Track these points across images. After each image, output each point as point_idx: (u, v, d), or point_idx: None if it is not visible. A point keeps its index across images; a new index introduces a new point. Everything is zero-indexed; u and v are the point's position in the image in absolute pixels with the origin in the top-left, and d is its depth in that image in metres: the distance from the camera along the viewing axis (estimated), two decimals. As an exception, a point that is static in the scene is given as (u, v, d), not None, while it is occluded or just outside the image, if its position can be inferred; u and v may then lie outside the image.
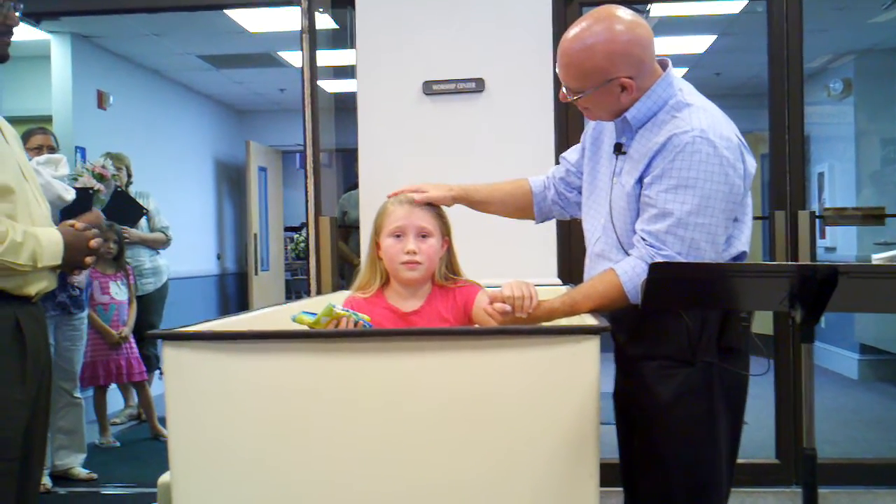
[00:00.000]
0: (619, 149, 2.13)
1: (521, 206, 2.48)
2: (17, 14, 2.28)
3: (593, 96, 2.06)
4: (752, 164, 2.08)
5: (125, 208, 5.38)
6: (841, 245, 7.13)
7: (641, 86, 2.05)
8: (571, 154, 2.45)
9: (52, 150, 4.36)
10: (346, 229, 5.06)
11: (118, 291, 5.21)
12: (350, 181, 5.53)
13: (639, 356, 2.10)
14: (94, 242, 2.32)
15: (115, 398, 5.85)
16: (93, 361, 5.11)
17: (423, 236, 2.26)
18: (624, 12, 2.05)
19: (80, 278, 4.35)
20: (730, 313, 2.06)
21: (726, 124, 2.06)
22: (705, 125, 1.98)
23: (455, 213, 3.68)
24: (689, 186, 1.95)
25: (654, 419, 2.07)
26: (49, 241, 2.21)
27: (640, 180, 2.05)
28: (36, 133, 4.45)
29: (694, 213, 1.94)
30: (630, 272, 1.99)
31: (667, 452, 2.06)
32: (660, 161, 2.00)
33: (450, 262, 2.37)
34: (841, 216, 4.59)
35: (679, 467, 2.05)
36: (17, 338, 2.18)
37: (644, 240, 1.99)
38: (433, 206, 2.31)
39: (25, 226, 2.18)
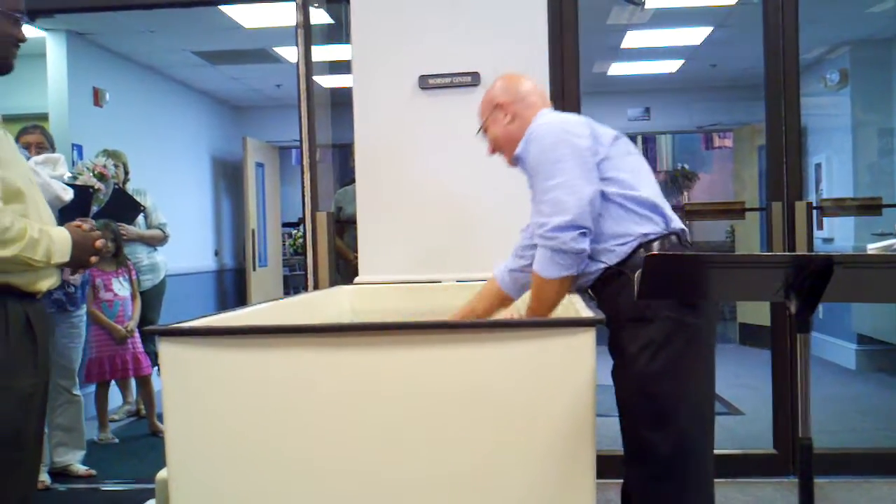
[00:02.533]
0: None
1: (502, 299, 2.73)
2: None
3: (489, 125, 2.58)
4: (608, 131, 2.40)
5: (123, 206, 5.38)
6: (838, 236, 7.13)
7: (520, 114, 2.51)
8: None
9: (42, 147, 4.34)
10: (342, 225, 5.05)
11: (120, 288, 5.23)
12: (347, 176, 5.52)
13: (615, 327, 2.28)
14: (99, 243, 2.41)
15: (113, 394, 5.84)
16: (99, 358, 5.14)
17: None
18: (511, 72, 2.66)
19: (75, 276, 4.36)
20: None
21: (575, 116, 2.48)
22: (544, 121, 2.40)
23: (454, 208, 3.69)
24: (540, 162, 2.30)
25: (626, 374, 2.24)
26: (60, 239, 2.28)
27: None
28: (28, 131, 4.44)
29: (548, 177, 2.27)
30: (536, 263, 2.28)
31: (638, 398, 2.20)
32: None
33: None
34: (838, 207, 4.59)
35: (648, 414, 2.18)
36: (28, 333, 2.24)
37: (536, 228, 2.29)
38: None
39: (39, 224, 2.25)
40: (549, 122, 2.37)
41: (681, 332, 2.19)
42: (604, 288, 2.30)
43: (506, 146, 2.54)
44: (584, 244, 2.20)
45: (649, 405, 2.18)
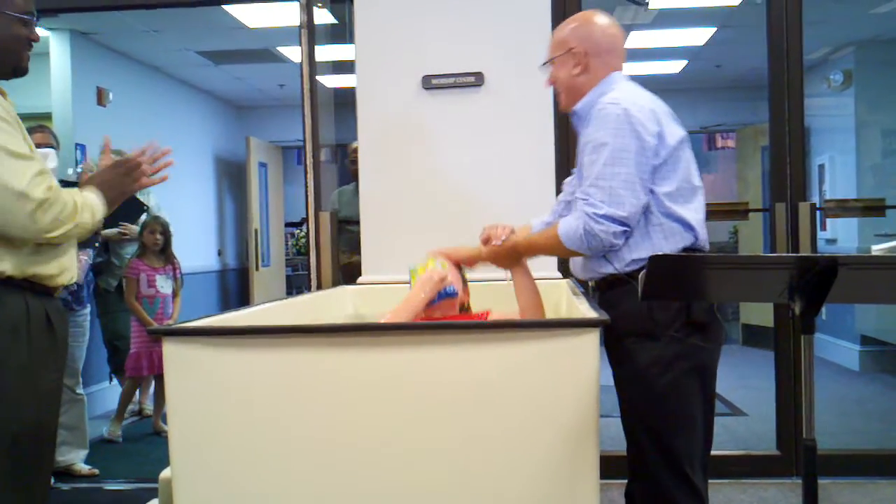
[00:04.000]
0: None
1: None
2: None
3: (556, 65, 2.43)
4: (675, 131, 2.29)
5: (127, 205, 5.38)
6: (842, 237, 7.12)
7: (592, 68, 2.37)
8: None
9: (51, 148, 4.36)
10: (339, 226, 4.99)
11: (164, 284, 5.23)
12: (346, 177, 5.48)
13: (614, 335, 2.23)
14: (131, 163, 2.40)
15: (115, 392, 5.85)
16: (137, 352, 5.18)
17: None
18: (602, 16, 2.43)
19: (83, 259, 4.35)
20: None
21: (648, 99, 2.30)
22: (619, 96, 2.25)
23: (457, 208, 3.68)
24: (603, 144, 2.19)
25: (626, 392, 2.22)
26: (91, 197, 2.30)
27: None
28: (35, 132, 4.44)
29: (609, 164, 2.16)
30: (564, 225, 2.22)
31: (637, 421, 2.19)
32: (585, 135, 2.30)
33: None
34: (841, 208, 4.58)
35: (648, 435, 2.17)
36: (48, 329, 2.27)
37: (577, 199, 2.23)
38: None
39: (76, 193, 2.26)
40: (622, 104, 2.21)
41: (687, 353, 2.16)
42: (608, 290, 2.28)
43: (566, 93, 2.44)
44: (620, 241, 2.17)
45: (651, 424, 2.17)
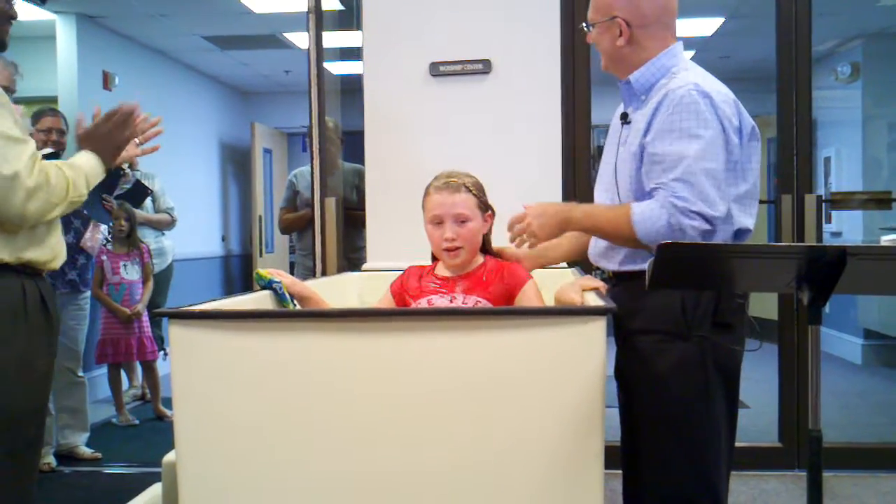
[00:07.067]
0: (624, 118, 2.24)
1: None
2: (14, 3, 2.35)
3: (598, 30, 2.23)
4: (748, 123, 2.15)
5: (131, 190, 5.39)
6: (847, 230, 7.10)
7: (639, 40, 2.18)
8: None
9: (62, 132, 4.37)
10: (297, 211, 4.99)
11: (130, 271, 5.22)
12: (349, 160, 5.45)
13: (635, 331, 2.13)
14: (118, 115, 2.48)
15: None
16: (103, 339, 5.17)
17: (462, 222, 2.34)
18: None
19: (94, 240, 4.36)
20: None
21: (722, 86, 2.15)
22: (699, 81, 2.09)
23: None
24: (692, 135, 2.02)
25: (651, 394, 2.11)
26: (86, 163, 2.31)
27: (642, 141, 2.12)
28: (46, 115, 4.42)
29: (699, 158, 2.00)
30: (642, 210, 2.03)
31: (664, 427, 2.09)
32: (659, 117, 2.08)
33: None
34: (848, 200, 4.57)
35: (676, 441, 2.08)
36: (43, 311, 2.25)
37: (657, 190, 2.04)
38: (472, 189, 2.38)
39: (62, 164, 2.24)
40: (705, 89, 2.06)
41: (716, 355, 2.07)
42: (631, 281, 2.13)
43: (610, 62, 2.26)
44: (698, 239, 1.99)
45: (677, 428, 2.07)
